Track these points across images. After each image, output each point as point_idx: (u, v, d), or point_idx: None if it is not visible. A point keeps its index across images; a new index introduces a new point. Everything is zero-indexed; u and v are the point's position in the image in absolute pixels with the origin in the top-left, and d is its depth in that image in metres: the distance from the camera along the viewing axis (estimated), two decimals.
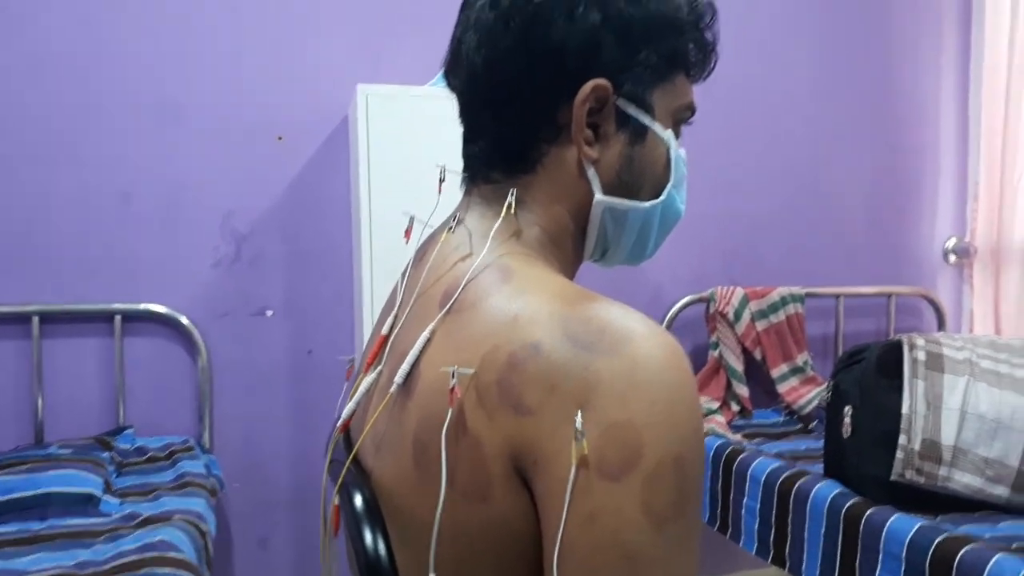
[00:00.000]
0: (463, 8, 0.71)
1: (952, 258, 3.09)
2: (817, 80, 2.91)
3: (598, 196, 0.69)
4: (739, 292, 2.65)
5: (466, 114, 0.72)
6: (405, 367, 0.62)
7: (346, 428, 0.70)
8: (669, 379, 0.54)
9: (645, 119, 0.69)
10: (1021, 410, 1.70)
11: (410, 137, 1.96)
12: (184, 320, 2.21)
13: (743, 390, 2.61)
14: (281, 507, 2.35)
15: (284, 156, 2.31)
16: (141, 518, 1.62)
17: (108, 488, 1.77)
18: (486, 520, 0.56)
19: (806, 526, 1.84)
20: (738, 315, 2.63)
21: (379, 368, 0.68)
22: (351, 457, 0.65)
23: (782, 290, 2.71)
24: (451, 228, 0.71)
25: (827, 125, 2.93)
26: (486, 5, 0.68)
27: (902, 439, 1.72)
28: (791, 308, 2.70)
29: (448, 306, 0.62)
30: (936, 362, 1.79)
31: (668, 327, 2.65)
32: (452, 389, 0.56)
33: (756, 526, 2.03)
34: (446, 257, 0.68)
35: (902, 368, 1.78)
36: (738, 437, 2.36)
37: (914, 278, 3.06)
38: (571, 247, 0.72)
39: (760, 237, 2.85)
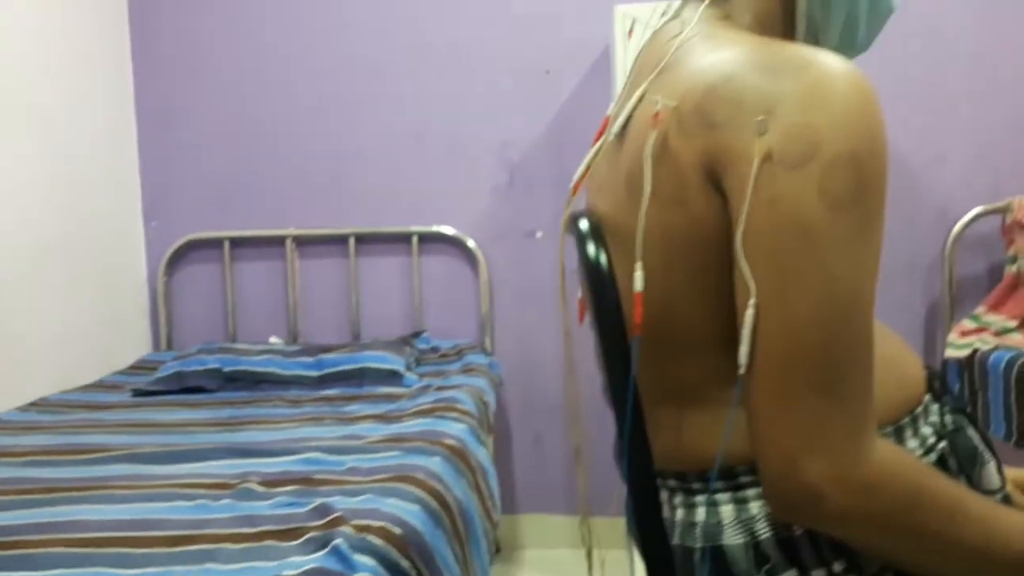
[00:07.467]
0: None
1: None
2: None
3: None
4: None
5: None
6: (620, 120, 0.73)
7: (577, 190, 0.83)
8: (848, 91, 0.61)
9: None
10: None
11: None
12: (469, 242, 2.50)
13: None
14: (553, 409, 2.55)
15: (552, 88, 2.51)
16: (434, 387, 1.90)
17: (409, 368, 2.08)
18: (686, 221, 0.66)
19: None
20: None
21: (606, 139, 0.79)
22: (571, 195, 0.78)
23: None
24: (669, 20, 0.80)
25: None
26: None
27: None
28: None
29: (657, 69, 0.72)
30: None
31: (955, 242, 2.45)
32: (656, 114, 0.66)
33: None
34: (660, 41, 0.77)
35: None
36: None
37: None
38: (781, 33, 0.77)
39: None
